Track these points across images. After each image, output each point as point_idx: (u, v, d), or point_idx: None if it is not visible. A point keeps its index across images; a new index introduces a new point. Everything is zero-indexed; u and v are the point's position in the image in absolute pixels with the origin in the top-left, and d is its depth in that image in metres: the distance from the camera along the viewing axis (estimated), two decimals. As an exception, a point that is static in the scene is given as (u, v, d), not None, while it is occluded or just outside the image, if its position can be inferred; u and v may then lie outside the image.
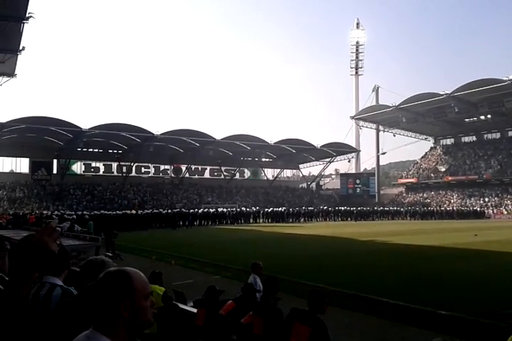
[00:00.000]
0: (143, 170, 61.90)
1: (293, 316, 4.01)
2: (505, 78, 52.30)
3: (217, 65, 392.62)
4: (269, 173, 74.18)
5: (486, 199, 61.73)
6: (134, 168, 59.51)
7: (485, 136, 73.77)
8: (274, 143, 61.86)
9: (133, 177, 58.64)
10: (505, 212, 56.03)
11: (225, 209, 45.79)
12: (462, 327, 6.90)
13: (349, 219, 51.56)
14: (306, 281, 10.36)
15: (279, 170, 74.20)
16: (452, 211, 56.81)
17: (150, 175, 62.35)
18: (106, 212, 37.90)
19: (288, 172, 79.37)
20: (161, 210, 41.25)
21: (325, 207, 54.88)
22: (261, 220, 46.09)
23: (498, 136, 72.07)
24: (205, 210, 43.99)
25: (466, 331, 6.68)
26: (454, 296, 9.30)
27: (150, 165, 62.31)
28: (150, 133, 51.80)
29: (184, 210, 42.16)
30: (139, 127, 50.65)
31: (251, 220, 45.56)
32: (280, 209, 49.16)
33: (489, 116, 61.79)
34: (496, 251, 16.77)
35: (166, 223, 37.12)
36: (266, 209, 48.57)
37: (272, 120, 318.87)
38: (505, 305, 7.90)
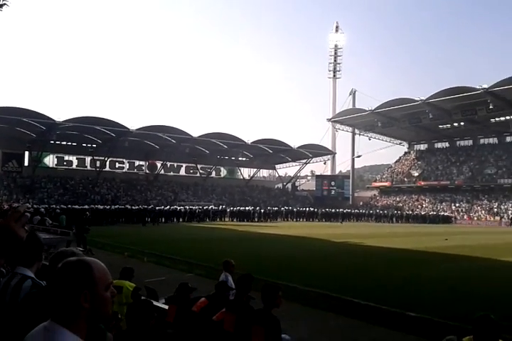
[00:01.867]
0: (117, 165, 61.07)
1: (252, 318, 4.02)
2: (478, 87, 53.59)
3: (198, 62, 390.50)
4: (246, 172, 74.21)
5: (457, 205, 63.14)
6: (108, 163, 58.70)
7: (458, 142, 75.45)
8: (251, 142, 61.89)
9: (107, 172, 57.83)
10: (475, 218, 57.41)
11: (193, 207, 45.78)
12: (430, 329, 7.00)
13: (323, 220, 52.00)
14: (279, 281, 10.35)
15: (255, 169, 74.31)
16: (423, 215, 58.00)
17: (124, 170, 61.56)
18: (77, 206, 37.34)
19: (264, 172, 79.59)
20: (128, 206, 41.48)
21: (298, 209, 55.32)
22: (228, 219, 46.20)
23: (470, 143, 73.82)
24: (173, 207, 43.96)
25: (434, 332, 6.77)
26: (424, 299, 9.45)
27: (124, 160, 61.53)
28: (125, 128, 51.14)
29: (150, 207, 41.94)
30: (114, 121, 49.94)
31: (218, 219, 45.63)
32: (247, 208, 49.24)
33: (462, 123, 63.20)
34: (466, 256, 17.11)
35: (134, 219, 37.76)
36: (232, 208, 48.80)
37: (250, 120, 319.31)
38: (470, 309, 8.05)
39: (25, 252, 2.52)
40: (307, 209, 54.86)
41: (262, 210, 49.35)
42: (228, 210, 47.70)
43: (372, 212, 59.20)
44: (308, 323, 7.57)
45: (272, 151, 67.25)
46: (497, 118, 59.44)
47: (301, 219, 51.82)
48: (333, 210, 55.40)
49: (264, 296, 4.00)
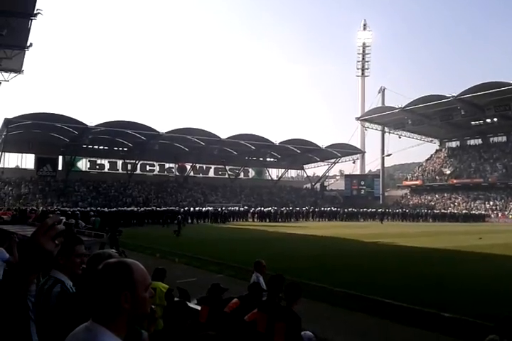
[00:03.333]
0: (148, 168, 62.08)
1: (274, 316, 4.11)
2: (511, 81, 52.05)
3: (224, 63, 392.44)
4: (274, 173, 74.23)
5: (491, 203, 61.47)
6: (138, 166, 59.71)
7: (491, 139, 73.38)
8: (279, 143, 61.87)
9: (138, 174, 58.81)
10: (510, 216, 55.77)
11: (219, 209, 46.42)
12: (465, 330, 6.89)
13: (351, 220, 51.56)
14: (309, 281, 10.36)
15: (283, 170, 74.20)
16: (456, 214, 56.78)
17: (155, 173, 62.54)
18: (106, 209, 38.40)
19: (292, 173, 79.41)
20: (154, 208, 42.77)
21: (328, 208, 55.13)
22: (250, 219, 46.75)
23: (504, 139, 71.71)
24: (197, 209, 44.81)
25: (469, 333, 6.67)
26: (457, 299, 9.28)
27: (155, 163, 62.49)
28: (155, 131, 51.95)
29: (174, 208, 43.03)
30: (144, 125, 50.80)
31: (242, 219, 46.31)
32: (269, 209, 49.46)
33: (495, 119, 61.43)
34: (500, 255, 16.69)
35: (160, 220, 38.49)
36: (254, 209, 49.39)
37: (278, 120, 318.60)
38: (506, 309, 7.88)
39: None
40: (329, 209, 55.23)
41: (285, 211, 49.51)
42: (251, 211, 47.99)
43: (408, 211, 58.30)
44: (338, 324, 7.57)
45: (299, 151, 66.99)
46: (532, 113, 57.58)
47: (325, 219, 51.99)
48: (354, 210, 55.74)
49: (288, 293, 4.11)
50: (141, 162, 59.45)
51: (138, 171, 59.48)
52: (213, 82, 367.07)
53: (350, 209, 55.51)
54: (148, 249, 17.53)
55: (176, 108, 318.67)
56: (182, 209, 42.19)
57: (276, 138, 62.00)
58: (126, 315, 1.48)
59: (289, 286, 4.20)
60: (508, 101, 55.61)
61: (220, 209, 45.34)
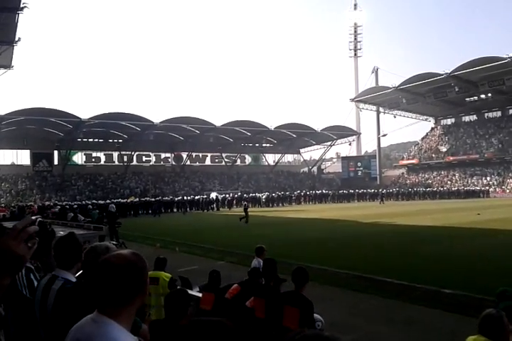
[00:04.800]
0: (144, 158, 61.91)
1: (282, 300, 4.09)
2: (505, 56, 51.66)
3: (216, 50, 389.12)
4: (270, 159, 74.19)
5: (488, 178, 61.72)
6: (134, 157, 59.55)
7: (486, 114, 73.33)
8: (275, 128, 61.63)
9: (134, 166, 58.70)
10: (507, 191, 56.04)
11: (214, 196, 46.86)
12: (466, 305, 6.92)
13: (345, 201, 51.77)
14: (310, 263, 10.39)
15: (280, 155, 74.14)
16: (454, 191, 57.10)
17: (151, 163, 62.39)
18: (102, 201, 38.52)
19: (289, 157, 79.40)
20: (147, 198, 42.83)
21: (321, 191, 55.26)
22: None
23: (499, 114, 71.67)
24: (190, 197, 44.75)
25: (471, 308, 6.70)
26: (459, 275, 9.33)
27: (151, 153, 62.29)
28: (150, 121, 51.65)
29: (167, 198, 43.69)
30: (138, 116, 50.49)
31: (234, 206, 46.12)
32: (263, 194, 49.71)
33: (490, 94, 61.20)
34: (499, 229, 16.80)
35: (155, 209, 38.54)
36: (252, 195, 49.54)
37: (272, 105, 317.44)
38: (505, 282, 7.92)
39: (65, 255, 2.59)
40: (319, 191, 55.66)
41: (276, 195, 49.73)
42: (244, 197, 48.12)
43: (409, 190, 58.65)
44: (341, 305, 7.60)
45: (295, 135, 66.84)
46: (526, 87, 57.35)
47: (319, 202, 52.45)
48: (346, 191, 56.61)
49: (295, 278, 4.10)
50: (136, 153, 59.26)
51: (134, 162, 59.33)
52: (206, 69, 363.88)
53: (341, 191, 56.44)
54: (148, 239, 17.55)
55: (169, 97, 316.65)
56: (185, 198, 42.86)
57: (271, 123, 61.82)
58: (135, 309, 1.52)
59: (296, 271, 4.19)
60: (502, 76, 55.34)
61: (225, 196, 45.64)
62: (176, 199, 43.55)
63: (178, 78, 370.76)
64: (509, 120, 68.62)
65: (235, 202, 46.13)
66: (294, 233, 18.64)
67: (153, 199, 41.71)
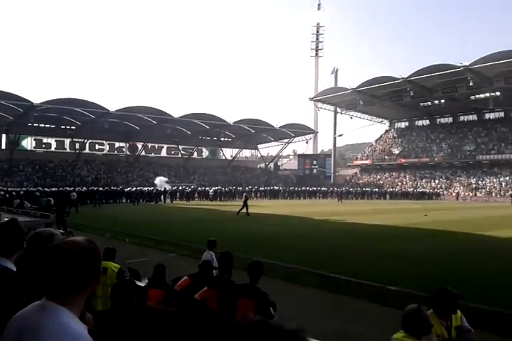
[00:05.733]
0: (97, 147, 60.24)
1: (236, 292, 4.11)
2: (459, 64, 53.77)
3: (180, 40, 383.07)
4: (228, 153, 74.00)
5: (437, 181, 64.19)
6: (87, 145, 57.88)
7: (438, 120, 76.16)
8: (234, 122, 61.52)
9: (86, 154, 57.03)
10: (454, 194, 58.48)
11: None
12: (410, 302, 7.13)
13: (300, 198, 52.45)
14: (261, 258, 10.41)
15: (237, 149, 74.08)
16: (406, 192, 59.11)
17: (104, 152, 60.79)
18: (55, 189, 37.13)
19: (246, 152, 79.49)
20: (94, 188, 40.97)
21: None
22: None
23: (450, 120, 74.59)
24: (139, 188, 43.68)
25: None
26: (404, 273, 9.62)
27: (104, 142, 60.70)
28: (105, 109, 50.27)
29: (114, 188, 42.95)
30: (93, 103, 49.01)
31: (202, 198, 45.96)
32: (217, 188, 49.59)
33: (443, 100, 63.54)
34: (441, 230, 17.47)
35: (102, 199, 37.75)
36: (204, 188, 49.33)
37: (232, 100, 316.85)
38: (448, 282, 8.24)
39: (5, 242, 2.44)
40: (270, 188, 56.33)
41: (226, 190, 49.82)
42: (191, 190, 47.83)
43: (357, 190, 60.20)
44: (290, 299, 7.66)
45: (254, 131, 67.00)
46: (477, 96, 59.86)
47: (272, 198, 52.72)
48: (297, 188, 57.79)
49: (251, 271, 4.12)
50: (89, 141, 57.58)
51: (87, 150, 57.65)
52: (167, 59, 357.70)
53: (292, 188, 57.63)
54: (99, 229, 17.09)
55: (126, 85, 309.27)
56: (135, 189, 41.79)
57: (230, 118, 61.74)
58: (85, 297, 1.49)
59: (252, 264, 4.21)
60: (455, 83, 57.54)
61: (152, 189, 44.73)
62: (126, 189, 42.55)
63: (138, 65, 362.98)
64: (459, 126, 71.56)
65: (197, 194, 45.98)
66: (246, 228, 18.66)
67: (101, 189, 40.27)
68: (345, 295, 7.89)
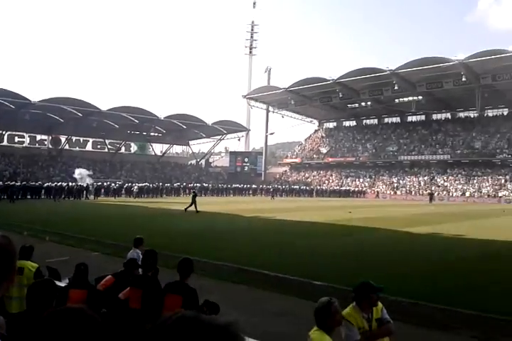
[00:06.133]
0: (16, 139, 56.69)
1: (165, 289, 4.06)
2: (385, 68, 56.38)
3: (110, 30, 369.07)
4: (158, 148, 72.60)
5: (361, 180, 66.98)
6: (5, 137, 54.40)
7: (364, 121, 79.42)
8: (164, 117, 60.35)
9: (4, 146, 53.52)
10: (374, 192, 61.33)
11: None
12: (336, 296, 7.32)
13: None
14: (190, 255, 10.28)
15: (168, 145, 72.82)
16: (331, 190, 61.10)
17: (25, 145, 57.27)
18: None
19: (177, 149, 78.37)
20: (10, 182, 38.11)
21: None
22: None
23: (375, 122, 78.06)
24: (59, 184, 41.09)
25: (340, 299, 7.09)
26: (329, 268, 9.88)
27: (25, 134, 57.23)
28: (26, 99, 47.34)
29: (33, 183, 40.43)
30: (13, 92, 45.99)
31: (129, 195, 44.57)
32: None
33: (369, 103, 66.42)
34: (368, 227, 18.19)
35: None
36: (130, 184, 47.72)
37: (164, 94, 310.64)
38: (370, 276, 8.58)
39: None
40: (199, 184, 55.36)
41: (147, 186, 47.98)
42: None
43: (286, 187, 61.27)
44: (218, 296, 7.58)
45: (185, 127, 66.13)
46: (400, 99, 63.15)
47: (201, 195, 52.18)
48: (228, 186, 57.64)
49: (181, 268, 4.07)
50: (8, 133, 54.06)
51: (5, 143, 54.22)
52: (99, 49, 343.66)
53: (222, 185, 57.48)
54: (16, 226, 16.02)
55: (52, 75, 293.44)
56: (54, 184, 39.65)
57: (161, 113, 60.38)
58: None
59: (182, 262, 4.17)
60: (381, 86, 60.33)
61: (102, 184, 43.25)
62: (45, 184, 40.27)
63: (66, 55, 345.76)
64: (384, 128, 75.13)
65: (124, 191, 44.63)
66: (174, 225, 18.36)
67: (17, 184, 37.66)
68: (274, 292, 7.94)
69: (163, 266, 4.82)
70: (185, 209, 24.83)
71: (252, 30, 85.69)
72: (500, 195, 52.27)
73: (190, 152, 78.51)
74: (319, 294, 7.46)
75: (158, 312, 3.87)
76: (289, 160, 78.96)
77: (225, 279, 8.82)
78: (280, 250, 12.22)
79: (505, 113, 64.64)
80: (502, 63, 49.02)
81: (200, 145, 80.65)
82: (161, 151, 72.33)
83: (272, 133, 74.67)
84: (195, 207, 24.87)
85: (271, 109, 75.24)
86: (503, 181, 54.76)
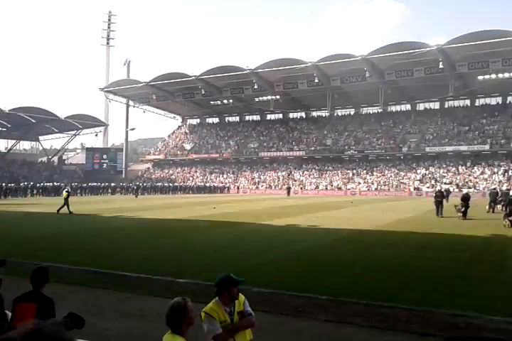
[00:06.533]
0: None
1: (16, 299, 3.64)
2: (245, 67, 58.09)
3: None
4: (2, 144, 65.53)
5: (225, 176, 68.30)
6: None
7: (226, 118, 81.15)
8: (10, 110, 54.45)
9: None
10: (237, 188, 63.09)
11: None
12: (199, 293, 7.15)
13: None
14: (42, 261, 9.25)
15: (14, 141, 65.98)
16: (196, 186, 61.21)
17: None
18: None
19: (25, 145, 71.69)
20: None
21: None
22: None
23: (237, 119, 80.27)
24: None
25: (203, 295, 6.93)
26: (193, 265, 9.69)
27: None
28: None
29: None
30: None
31: None
32: None
33: (231, 100, 67.98)
34: (232, 222, 18.43)
35: None
36: None
37: (10, 85, 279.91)
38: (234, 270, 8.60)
39: None
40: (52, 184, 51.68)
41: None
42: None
43: (150, 184, 59.54)
44: (74, 303, 6.89)
45: (34, 121, 60.56)
46: (260, 98, 65.74)
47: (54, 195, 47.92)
48: (84, 184, 53.91)
49: (35, 278, 3.75)
50: None
51: None
52: None
53: (76, 184, 53.38)
54: None
55: None
56: None
57: (5, 105, 54.30)
58: None
59: (36, 271, 3.82)
60: (242, 85, 62.14)
61: None
62: None
63: None
64: (245, 125, 77.56)
65: None
66: (24, 228, 16.58)
67: None
68: (136, 294, 7.47)
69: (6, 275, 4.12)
70: (58, 210, 22.99)
71: (110, 20, 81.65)
72: (348, 187, 57.53)
73: (41, 148, 72.23)
74: (183, 292, 7.24)
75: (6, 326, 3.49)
76: (151, 157, 77.29)
77: (82, 284, 8.07)
78: (143, 249, 11.68)
79: (352, 113, 71.28)
80: (349, 67, 53.88)
81: (52, 141, 75.27)
82: (6, 147, 65.31)
83: (132, 129, 72.19)
84: (68, 207, 23.05)
85: (131, 103, 72.75)
86: (350, 175, 60.37)
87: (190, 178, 69.38)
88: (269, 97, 64.35)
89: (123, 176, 70.20)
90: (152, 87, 65.21)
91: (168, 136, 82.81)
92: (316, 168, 64.22)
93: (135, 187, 50.52)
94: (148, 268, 9.06)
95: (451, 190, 35.19)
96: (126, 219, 20.41)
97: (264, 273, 8.68)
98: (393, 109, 68.85)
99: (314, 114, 74.28)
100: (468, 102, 64.03)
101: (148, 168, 76.44)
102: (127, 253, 11.08)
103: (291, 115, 75.80)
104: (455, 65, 52.48)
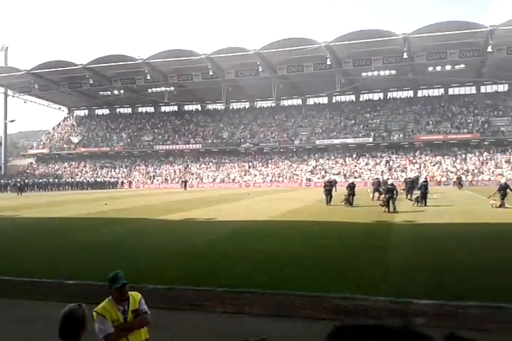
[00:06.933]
0: None
1: None
2: (137, 57, 56.10)
3: None
4: None
5: (117, 170, 65.60)
6: None
7: (117, 109, 77.86)
8: None
9: None
10: (129, 182, 61.08)
11: None
12: (92, 293, 6.76)
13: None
14: None
15: None
16: (85, 182, 57.96)
17: None
18: None
19: None
20: None
21: None
22: None
23: (129, 110, 77.43)
24: None
25: (94, 296, 6.56)
26: (84, 264, 9.16)
27: None
28: None
29: None
30: None
31: None
32: None
33: (122, 91, 65.26)
34: (125, 218, 17.77)
35: None
36: None
37: None
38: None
39: None
40: None
41: None
42: None
43: (34, 181, 55.13)
44: None
45: None
46: (154, 89, 63.86)
47: None
48: None
49: None
50: None
51: None
52: None
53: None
54: None
55: None
56: None
57: None
58: None
59: None
60: (133, 75, 60.06)
61: None
62: None
63: None
64: (138, 117, 75.09)
65: None
66: None
67: None
68: (23, 299, 6.84)
69: None
70: None
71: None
72: (245, 179, 58.52)
73: None
74: (74, 293, 6.78)
75: None
76: (34, 151, 71.76)
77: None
78: (28, 252, 10.76)
79: (247, 106, 72.43)
80: (243, 60, 54.60)
81: None
82: None
83: (12, 121, 66.20)
84: None
85: (10, 93, 66.79)
86: (247, 167, 61.45)
87: (79, 173, 65.61)
88: (163, 89, 62.89)
89: (2, 172, 64.38)
90: (34, 76, 60.36)
91: (53, 129, 77.34)
92: (213, 161, 64.36)
93: (18, 184, 46.37)
94: (32, 270, 8.36)
95: (337, 180, 37.37)
96: (5, 219, 18.69)
97: (160, 269, 8.47)
98: (285, 103, 71.23)
99: (210, 106, 74.21)
100: (353, 97, 68.43)
101: (31, 163, 70.89)
102: (8, 257, 10.12)
103: (186, 107, 74.99)
104: (341, 62, 55.75)
